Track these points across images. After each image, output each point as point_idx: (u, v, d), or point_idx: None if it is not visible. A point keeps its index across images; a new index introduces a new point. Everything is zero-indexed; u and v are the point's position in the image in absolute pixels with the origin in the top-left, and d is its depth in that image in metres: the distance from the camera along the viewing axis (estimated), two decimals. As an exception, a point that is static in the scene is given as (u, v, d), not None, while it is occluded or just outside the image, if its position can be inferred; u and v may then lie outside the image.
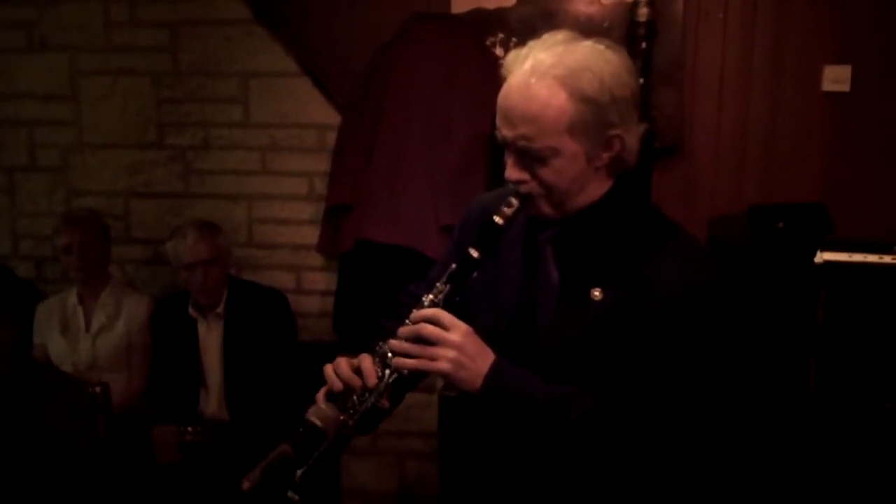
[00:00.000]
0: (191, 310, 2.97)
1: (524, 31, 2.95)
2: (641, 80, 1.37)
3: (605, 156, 1.36)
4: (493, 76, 2.86)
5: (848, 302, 2.23)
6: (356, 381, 1.34)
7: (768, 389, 2.47)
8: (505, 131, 1.34)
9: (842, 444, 2.24)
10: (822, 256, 2.22)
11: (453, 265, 1.37)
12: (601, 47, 1.33)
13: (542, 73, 1.30)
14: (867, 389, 2.21)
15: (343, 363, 1.37)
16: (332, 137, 3.13)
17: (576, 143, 1.32)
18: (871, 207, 2.86)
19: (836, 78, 2.87)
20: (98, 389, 2.47)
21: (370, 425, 1.37)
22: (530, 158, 1.34)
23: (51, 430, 2.09)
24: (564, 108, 1.30)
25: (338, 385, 1.34)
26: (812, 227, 2.64)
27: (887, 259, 2.17)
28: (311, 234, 3.22)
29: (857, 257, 2.20)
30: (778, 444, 2.38)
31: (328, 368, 1.38)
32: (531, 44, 1.36)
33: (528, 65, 1.32)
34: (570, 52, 1.31)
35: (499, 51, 2.99)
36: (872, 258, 2.19)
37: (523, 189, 1.36)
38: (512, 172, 1.37)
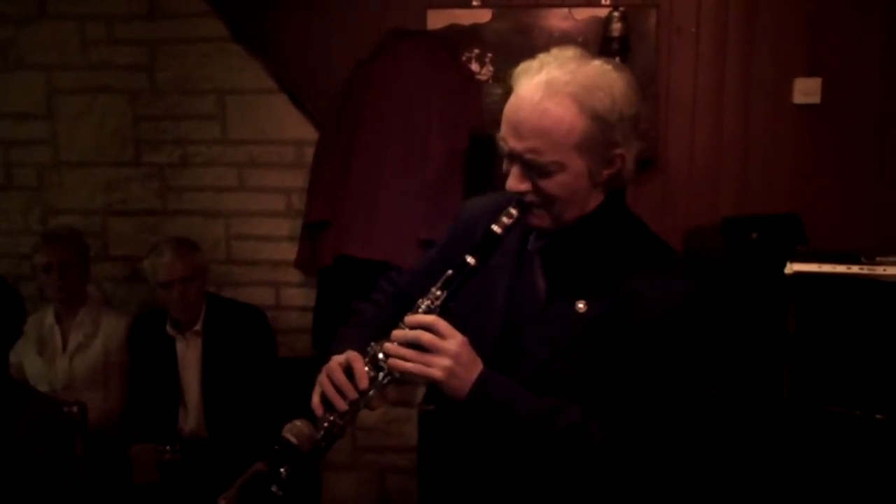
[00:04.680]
0: (169, 328, 2.96)
1: (499, 46, 2.99)
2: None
3: (607, 173, 1.37)
4: (469, 91, 2.95)
5: (818, 312, 2.25)
6: (352, 393, 1.33)
7: (742, 399, 2.49)
8: (513, 143, 1.34)
9: (815, 453, 2.26)
10: (792, 267, 2.24)
11: (449, 271, 1.37)
12: (609, 67, 1.34)
13: (557, 89, 1.30)
14: (839, 398, 2.23)
15: (337, 370, 1.36)
16: (309, 153, 3.14)
17: (581, 160, 1.33)
18: (843, 217, 2.90)
19: (806, 90, 2.92)
20: (75, 409, 2.46)
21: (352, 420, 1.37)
22: (535, 171, 1.34)
23: (27, 450, 2.07)
24: (575, 125, 1.30)
25: (341, 405, 1.33)
26: (785, 237, 2.67)
27: (855, 269, 2.19)
28: (290, 250, 3.21)
29: (826, 268, 2.21)
30: (752, 453, 2.40)
31: (323, 377, 1.37)
32: (542, 58, 1.36)
33: (540, 79, 1.32)
34: (582, 71, 1.32)
35: (474, 66, 3.02)
36: (841, 268, 2.21)
37: (525, 200, 1.38)
38: (515, 183, 1.37)
